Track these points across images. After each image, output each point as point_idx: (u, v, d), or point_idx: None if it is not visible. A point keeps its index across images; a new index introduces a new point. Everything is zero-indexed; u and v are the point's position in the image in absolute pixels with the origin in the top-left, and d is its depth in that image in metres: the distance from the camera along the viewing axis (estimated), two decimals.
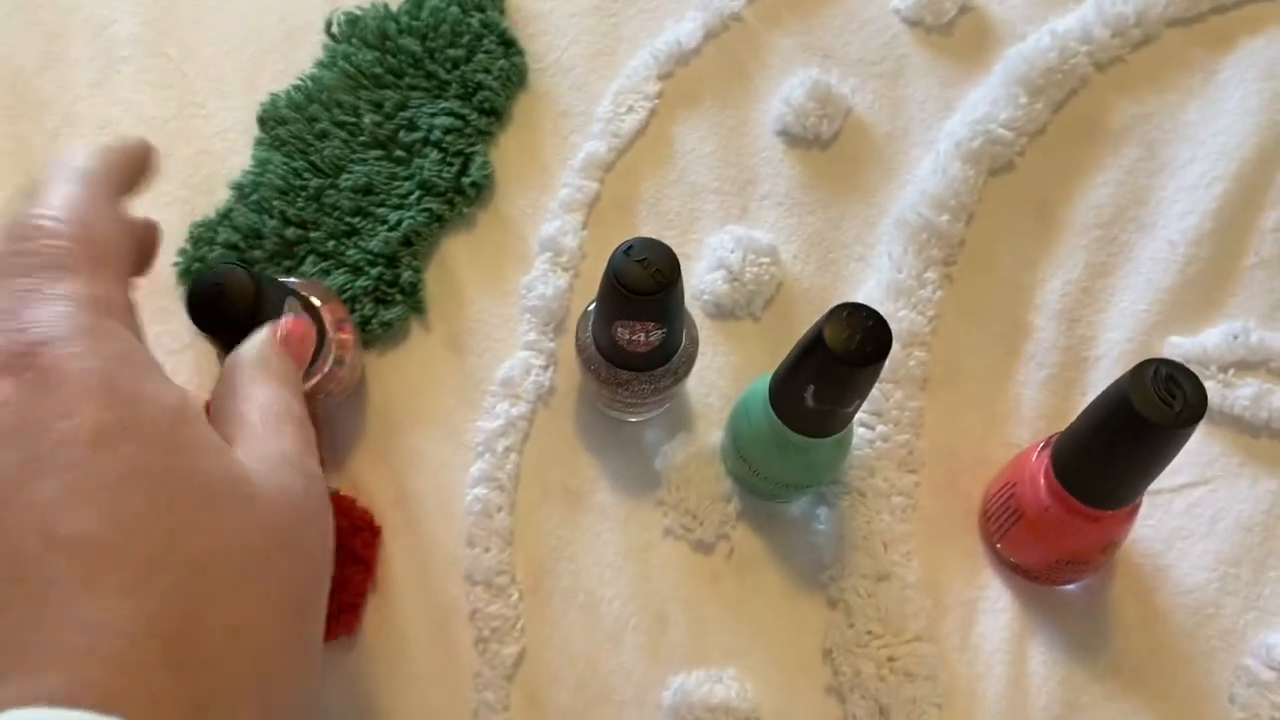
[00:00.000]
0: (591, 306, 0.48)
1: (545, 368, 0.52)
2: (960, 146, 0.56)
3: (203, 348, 0.52)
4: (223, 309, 0.40)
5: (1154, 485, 0.47)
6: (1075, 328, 0.54)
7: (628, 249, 0.42)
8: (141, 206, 0.54)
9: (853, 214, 0.56)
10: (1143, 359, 0.39)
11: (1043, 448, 0.45)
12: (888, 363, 0.50)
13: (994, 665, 0.48)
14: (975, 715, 0.47)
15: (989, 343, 0.54)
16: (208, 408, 0.36)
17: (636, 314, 0.43)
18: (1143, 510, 0.46)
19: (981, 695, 0.48)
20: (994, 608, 0.49)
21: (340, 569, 0.47)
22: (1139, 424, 0.38)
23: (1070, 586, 0.49)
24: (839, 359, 0.38)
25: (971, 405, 0.53)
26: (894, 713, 0.47)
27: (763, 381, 0.47)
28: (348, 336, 0.48)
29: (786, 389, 0.43)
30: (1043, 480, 0.44)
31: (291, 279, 0.48)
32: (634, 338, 0.45)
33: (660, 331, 0.44)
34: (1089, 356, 0.54)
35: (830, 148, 0.57)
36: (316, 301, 0.47)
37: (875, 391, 0.51)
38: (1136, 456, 0.40)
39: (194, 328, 0.40)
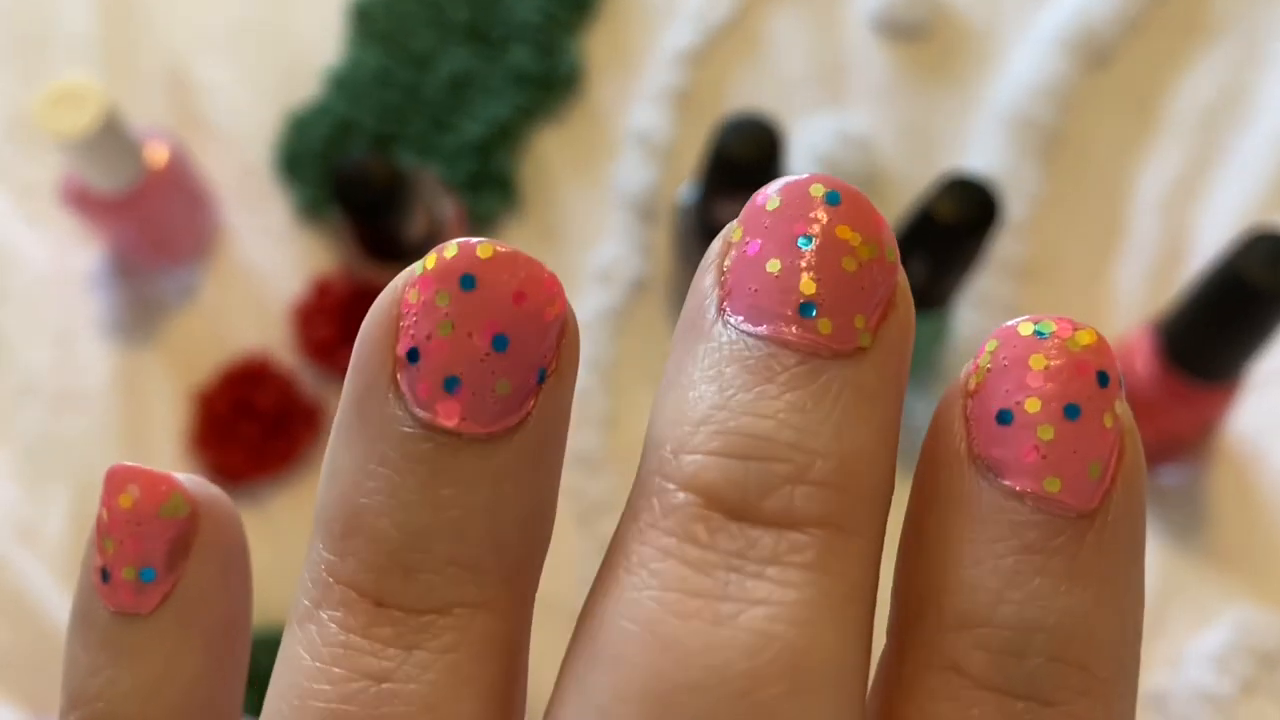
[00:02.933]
0: (685, 193, 0.50)
1: (639, 257, 0.55)
2: (1058, 39, 0.58)
3: (302, 240, 0.55)
4: (364, 191, 0.44)
5: (1253, 374, 0.49)
6: (1173, 221, 0.56)
7: (732, 123, 0.45)
8: (237, 100, 0.57)
9: (947, 106, 0.58)
10: None
11: (1144, 327, 0.48)
12: (988, 252, 0.52)
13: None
14: None
15: (1088, 235, 0.56)
16: None
17: (739, 189, 0.46)
18: (1242, 398, 0.48)
19: None
20: None
21: None
22: (1244, 290, 0.40)
23: (1169, 474, 0.51)
24: (949, 226, 0.41)
25: (1070, 297, 0.55)
26: None
27: None
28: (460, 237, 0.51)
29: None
30: (1144, 357, 0.46)
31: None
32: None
33: None
34: (1187, 249, 0.55)
35: (924, 39, 0.59)
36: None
37: (975, 280, 0.54)
38: (1241, 325, 0.42)
39: (338, 205, 0.43)
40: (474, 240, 0.12)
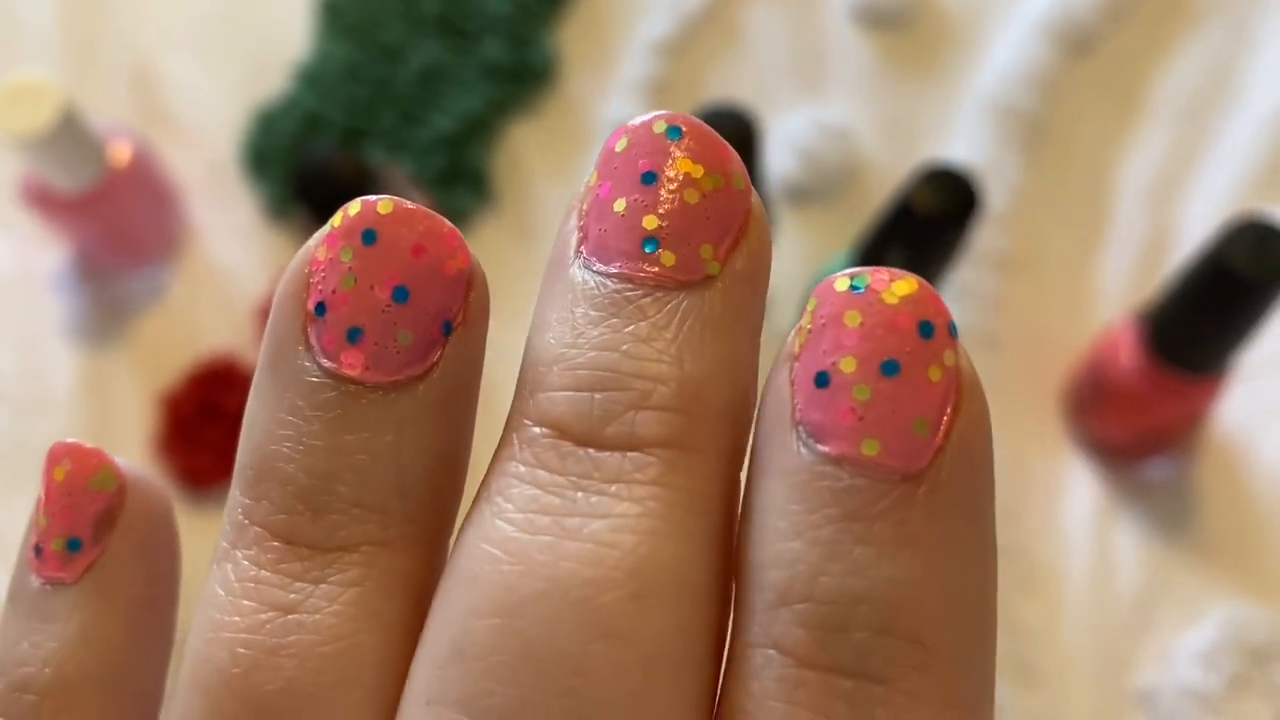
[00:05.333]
0: None
1: None
2: (1042, 27, 0.57)
3: (270, 238, 0.54)
4: (329, 187, 0.43)
5: (1240, 365, 0.49)
6: (1159, 209, 0.55)
7: (705, 113, 0.44)
8: (202, 96, 0.57)
9: (928, 95, 0.57)
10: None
11: (1129, 318, 0.47)
12: (970, 243, 0.52)
13: (1079, 544, 0.50)
14: (1061, 593, 0.49)
15: (1071, 225, 0.55)
16: None
17: None
18: (1229, 391, 0.47)
19: (1066, 573, 0.50)
20: (1078, 487, 0.51)
21: None
22: (1229, 279, 0.40)
23: (1156, 467, 0.51)
24: (929, 218, 0.40)
25: (1053, 287, 0.54)
26: None
27: (839, 258, 0.49)
28: None
29: (872, 254, 0.44)
30: (1130, 347, 0.46)
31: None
32: None
33: None
34: (1173, 237, 0.55)
35: (904, 28, 0.58)
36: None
37: (957, 272, 0.53)
38: (1226, 314, 0.41)
39: (301, 203, 0.43)
40: (376, 197, 0.13)
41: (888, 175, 0.56)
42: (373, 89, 0.56)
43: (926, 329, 0.12)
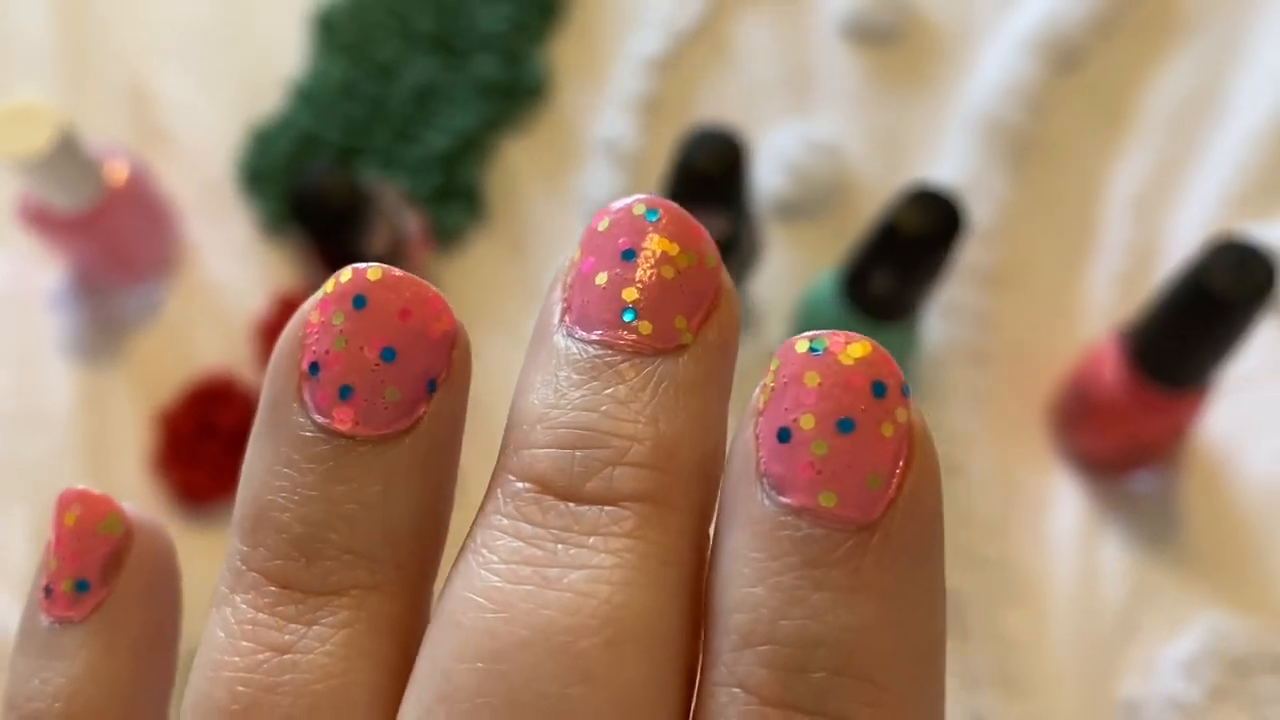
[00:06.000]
0: None
1: None
2: (1029, 42, 0.58)
3: (266, 255, 0.55)
4: (322, 207, 0.44)
5: (1224, 380, 0.49)
6: (1146, 224, 0.56)
7: (695, 135, 0.45)
8: (198, 114, 0.57)
9: (917, 111, 0.58)
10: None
11: (1113, 334, 0.48)
12: (957, 259, 0.52)
13: (1065, 556, 0.51)
14: (1046, 604, 0.50)
15: (1059, 239, 0.56)
16: None
17: (704, 201, 0.46)
18: (1213, 405, 0.48)
19: (1052, 584, 0.50)
20: (1064, 501, 0.52)
21: None
22: (1209, 298, 0.40)
23: (1140, 481, 0.51)
24: (913, 239, 0.41)
25: (1041, 302, 0.55)
26: (967, 601, 0.49)
27: (827, 276, 0.49)
28: (426, 252, 0.51)
29: (858, 273, 0.45)
30: (1114, 362, 0.46)
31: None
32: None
33: (727, 220, 0.47)
34: (1160, 251, 0.55)
35: (893, 44, 0.59)
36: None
37: (945, 287, 0.54)
38: (1206, 332, 0.42)
39: (297, 223, 0.43)
40: (365, 265, 0.14)
41: (877, 191, 0.56)
42: (367, 107, 0.56)
43: (879, 389, 0.12)
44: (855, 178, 0.57)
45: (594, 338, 0.13)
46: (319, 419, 0.14)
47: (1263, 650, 0.48)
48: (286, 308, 0.52)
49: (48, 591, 0.15)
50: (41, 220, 0.49)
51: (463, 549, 0.13)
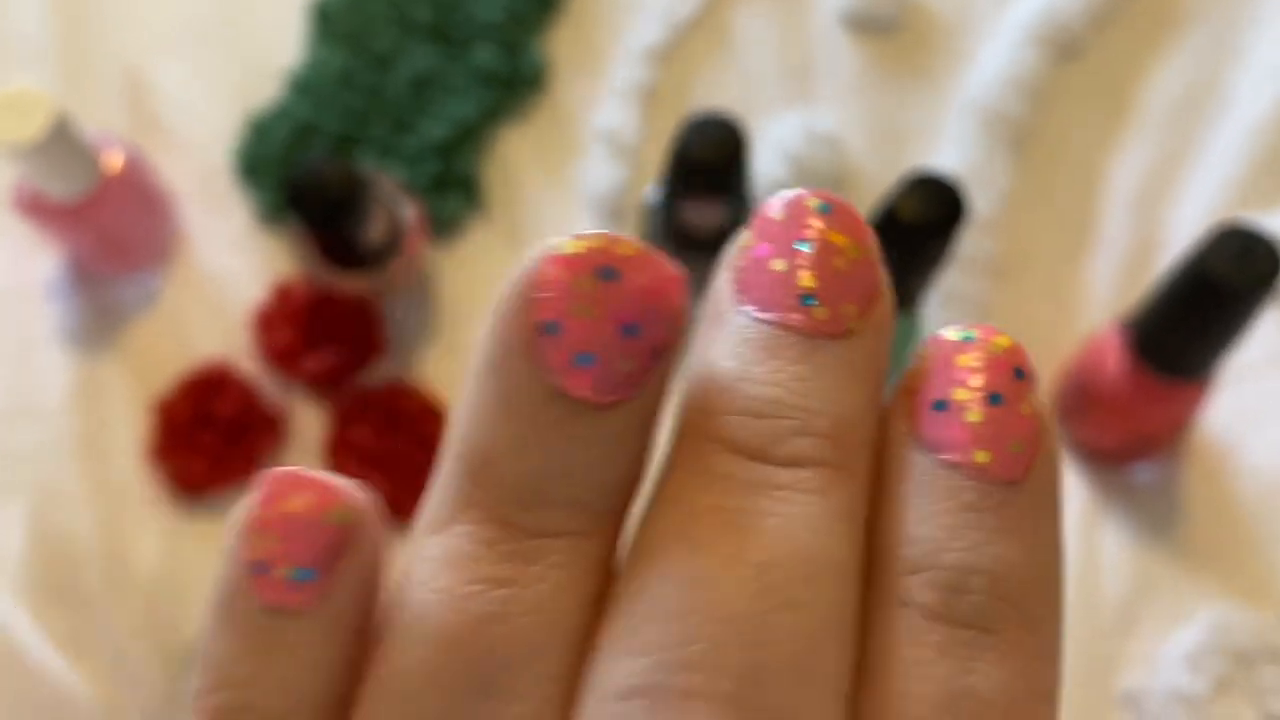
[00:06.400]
0: (652, 193, 0.50)
1: None
2: (1028, 33, 0.57)
3: (263, 245, 0.54)
4: (319, 196, 0.43)
5: (1225, 371, 0.49)
6: (1146, 216, 0.55)
7: (695, 123, 0.44)
8: (195, 103, 0.57)
9: (917, 101, 0.57)
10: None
11: (1114, 325, 0.47)
12: (957, 249, 0.52)
13: (1065, 548, 0.50)
14: None
15: (1059, 231, 0.55)
16: None
17: (704, 189, 0.45)
18: (1214, 395, 0.48)
19: None
20: (1065, 492, 0.51)
21: (411, 453, 0.49)
22: (1212, 286, 0.40)
23: (1142, 471, 0.51)
24: (914, 227, 0.40)
25: (1041, 293, 0.54)
26: None
27: None
28: (422, 241, 0.51)
29: None
30: (1116, 352, 0.46)
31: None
32: (700, 216, 0.47)
33: (726, 209, 0.46)
34: (1160, 243, 0.55)
35: (893, 34, 0.58)
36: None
37: (944, 278, 0.53)
38: (1210, 321, 0.41)
39: (294, 212, 0.43)
40: (614, 235, 0.14)
41: (876, 181, 0.56)
42: (364, 97, 0.56)
43: (1020, 373, 0.15)
44: (855, 168, 0.56)
45: (771, 318, 0.14)
46: (554, 380, 0.14)
47: (1266, 642, 0.48)
48: (284, 297, 0.52)
49: (259, 568, 0.15)
50: (36, 208, 0.48)
51: (664, 496, 0.14)
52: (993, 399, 0.15)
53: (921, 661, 0.14)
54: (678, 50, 0.58)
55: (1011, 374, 0.15)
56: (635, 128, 0.56)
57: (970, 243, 0.54)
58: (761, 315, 0.15)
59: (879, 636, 0.14)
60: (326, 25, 0.57)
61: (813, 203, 0.15)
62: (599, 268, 0.14)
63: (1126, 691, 0.49)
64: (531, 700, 0.14)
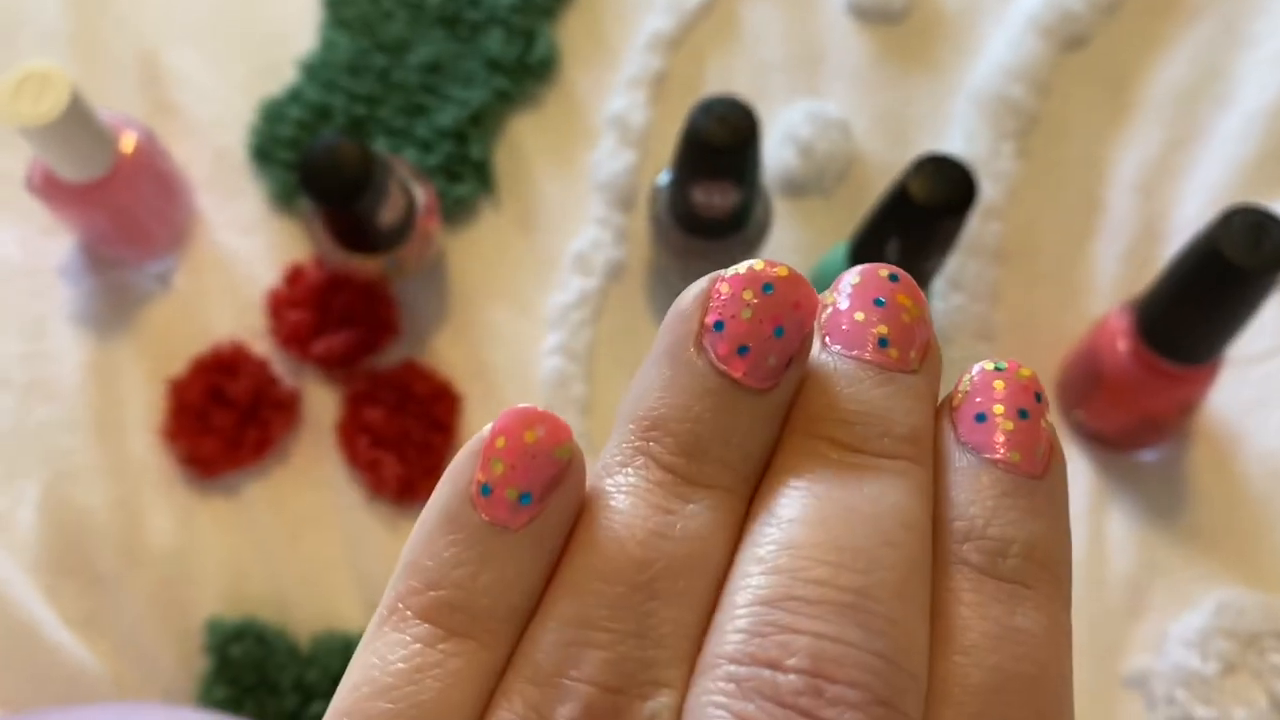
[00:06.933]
0: (663, 179, 0.50)
1: (616, 243, 0.54)
2: (1034, 21, 0.57)
3: (276, 228, 0.54)
4: (335, 176, 0.43)
5: (1232, 353, 0.49)
6: (1151, 201, 0.56)
7: (707, 106, 0.44)
8: (209, 88, 0.57)
9: (925, 89, 0.57)
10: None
11: (1123, 309, 0.47)
12: (965, 234, 0.52)
13: (1073, 530, 0.50)
14: None
15: (1065, 216, 0.55)
16: None
17: (714, 172, 0.45)
18: (1220, 379, 0.48)
19: None
20: (1072, 476, 0.51)
21: (423, 435, 0.49)
22: (1224, 268, 0.40)
23: (1147, 454, 0.51)
24: (925, 208, 0.40)
25: (1047, 278, 0.54)
26: None
27: (837, 251, 0.49)
28: (435, 224, 0.51)
29: (868, 244, 0.45)
30: (1123, 338, 0.46)
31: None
32: (710, 200, 0.47)
33: (737, 193, 0.46)
34: (1165, 229, 0.55)
35: (901, 23, 0.59)
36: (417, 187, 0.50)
37: (952, 262, 0.53)
38: (1220, 303, 0.41)
39: (309, 191, 0.43)
40: (775, 261, 0.19)
41: (884, 167, 0.56)
42: (377, 81, 0.56)
43: (1039, 397, 0.19)
44: (863, 154, 0.56)
45: (856, 355, 0.19)
46: (719, 364, 0.18)
47: (1273, 623, 0.48)
48: (297, 280, 0.52)
49: (485, 490, 0.18)
50: (51, 189, 0.48)
51: (783, 467, 0.18)
52: (1021, 414, 0.19)
53: (977, 604, 0.18)
54: (687, 39, 0.58)
55: (1033, 397, 0.19)
56: (644, 115, 0.56)
57: (977, 228, 0.54)
58: (846, 352, 0.19)
59: (941, 587, 0.18)
60: (339, 11, 0.58)
61: (883, 273, 0.19)
62: (762, 284, 0.18)
63: (1134, 673, 0.49)
64: (683, 607, 0.17)
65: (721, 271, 0.19)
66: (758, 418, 0.18)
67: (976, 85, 0.57)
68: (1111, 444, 0.51)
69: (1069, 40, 0.58)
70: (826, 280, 0.50)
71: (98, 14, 0.58)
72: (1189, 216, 0.55)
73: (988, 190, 0.55)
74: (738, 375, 0.18)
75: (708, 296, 0.19)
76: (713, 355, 0.18)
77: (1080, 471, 0.51)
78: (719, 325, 0.18)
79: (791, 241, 0.55)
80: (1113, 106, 0.57)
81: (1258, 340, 0.53)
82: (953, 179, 0.41)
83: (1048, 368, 0.53)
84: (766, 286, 0.18)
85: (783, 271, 0.19)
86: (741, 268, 0.19)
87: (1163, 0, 0.59)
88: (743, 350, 0.18)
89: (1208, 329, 0.43)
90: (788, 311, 0.18)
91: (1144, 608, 0.50)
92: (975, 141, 0.56)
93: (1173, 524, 0.50)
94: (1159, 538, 0.50)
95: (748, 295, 0.18)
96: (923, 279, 0.46)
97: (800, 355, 0.19)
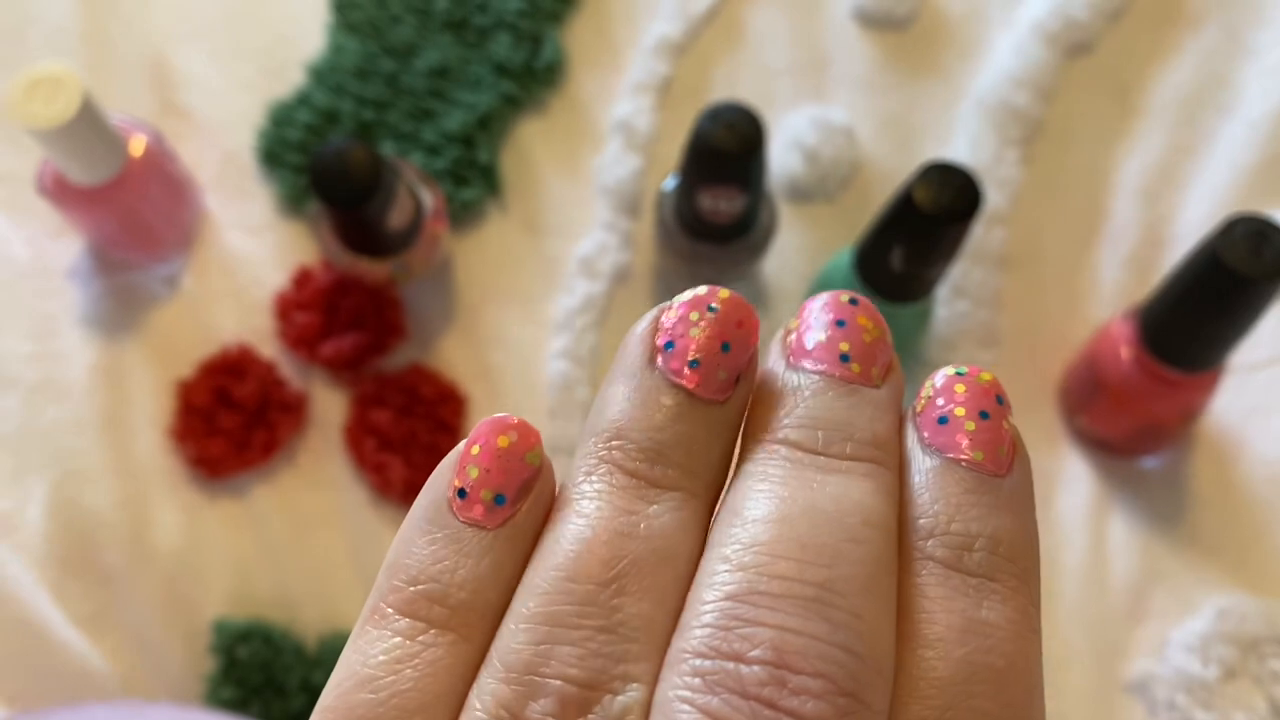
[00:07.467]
0: (669, 183, 0.50)
1: (621, 248, 0.54)
2: (1039, 28, 0.58)
3: (284, 231, 0.54)
4: (344, 179, 0.43)
5: (1234, 360, 0.49)
6: (1154, 208, 0.56)
7: (714, 113, 0.44)
8: (218, 91, 0.57)
9: (929, 95, 0.57)
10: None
11: (1125, 316, 0.47)
12: (969, 240, 0.52)
13: (1074, 536, 0.50)
14: (1055, 583, 0.50)
15: (1068, 222, 0.55)
16: None
17: (721, 178, 0.45)
18: (1222, 386, 0.48)
19: (1062, 564, 0.50)
20: (1073, 481, 0.51)
21: (430, 437, 0.50)
22: (1226, 276, 0.40)
23: (1149, 461, 0.51)
24: (929, 215, 0.40)
25: (1050, 284, 0.54)
26: None
27: (841, 256, 0.49)
28: (442, 227, 0.51)
29: (873, 251, 0.45)
30: (1126, 345, 0.46)
31: None
32: (717, 205, 0.47)
33: (743, 198, 0.46)
34: (1167, 236, 0.55)
35: (906, 29, 0.59)
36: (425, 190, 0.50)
37: (956, 268, 0.53)
38: (1222, 311, 0.41)
39: (317, 193, 0.43)
40: (718, 288, 0.20)
41: (889, 174, 0.56)
42: (385, 85, 0.56)
43: (999, 399, 0.20)
44: (868, 160, 0.56)
45: (821, 370, 0.19)
46: (672, 377, 0.19)
47: (1274, 629, 0.48)
48: (305, 282, 0.52)
49: (462, 494, 0.19)
50: (61, 191, 0.48)
51: (744, 473, 0.19)
52: (982, 415, 0.19)
53: (943, 598, 0.18)
54: (693, 44, 0.58)
55: (994, 399, 0.19)
56: (651, 120, 0.57)
57: (981, 234, 0.54)
58: (812, 367, 0.20)
59: (907, 583, 0.18)
60: (347, 15, 0.58)
61: (844, 298, 0.20)
62: (707, 305, 0.20)
63: (1135, 678, 0.49)
64: (650, 602, 0.18)
65: (668, 302, 0.20)
66: (714, 427, 0.19)
67: (981, 92, 0.57)
68: (1113, 450, 0.51)
69: (1074, 47, 0.58)
70: (831, 285, 0.50)
71: (107, 15, 0.58)
72: (1192, 224, 0.55)
73: (992, 197, 0.55)
74: (691, 386, 0.19)
75: (657, 322, 0.20)
76: (666, 371, 0.19)
77: (1082, 477, 0.51)
78: (669, 344, 0.20)
79: (796, 246, 0.55)
80: (1117, 114, 0.57)
81: (1259, 347, 0.53)
82: (957, 186, 0.41)
83: (1051, 373, 0.53)
84: (711, 307, 0.20)
85: (724, 294, 0.20)
86: (686, 295, 0.20)
87: (1167, 9, 0.59)
88: (694, 364, 0.19)
89: (1210, 336, 0.43)
90: (732, 329, 0.20)
91: (1145, 613, 0.50)
92: (980, 148, 0.56)
93: (1174, 530, 0.50)
94: (1160, 543, 0.50)
95: (694, 316, 0.20)
96: (927, 285, 0.46)
97: (748, 371, 0.20)
